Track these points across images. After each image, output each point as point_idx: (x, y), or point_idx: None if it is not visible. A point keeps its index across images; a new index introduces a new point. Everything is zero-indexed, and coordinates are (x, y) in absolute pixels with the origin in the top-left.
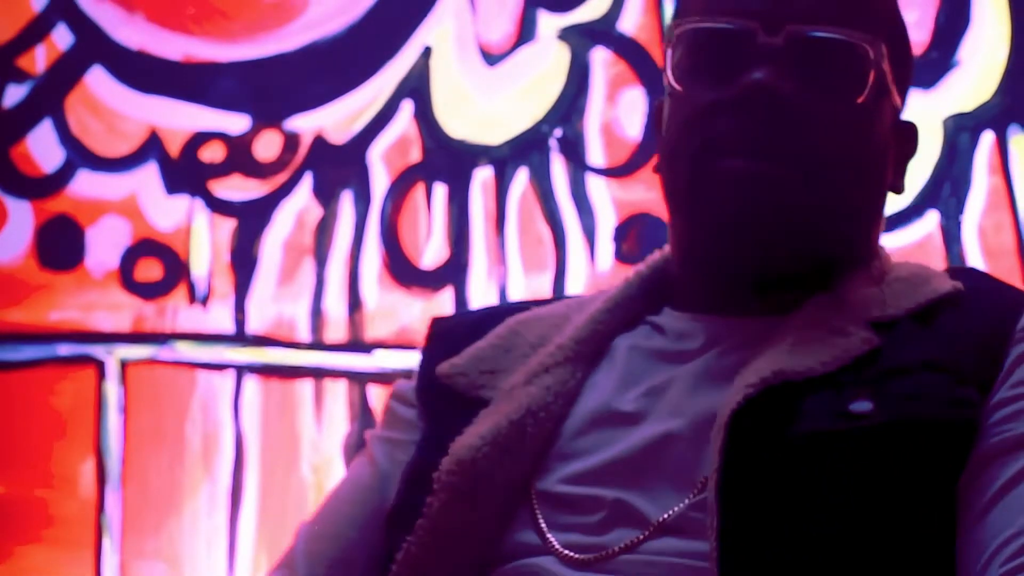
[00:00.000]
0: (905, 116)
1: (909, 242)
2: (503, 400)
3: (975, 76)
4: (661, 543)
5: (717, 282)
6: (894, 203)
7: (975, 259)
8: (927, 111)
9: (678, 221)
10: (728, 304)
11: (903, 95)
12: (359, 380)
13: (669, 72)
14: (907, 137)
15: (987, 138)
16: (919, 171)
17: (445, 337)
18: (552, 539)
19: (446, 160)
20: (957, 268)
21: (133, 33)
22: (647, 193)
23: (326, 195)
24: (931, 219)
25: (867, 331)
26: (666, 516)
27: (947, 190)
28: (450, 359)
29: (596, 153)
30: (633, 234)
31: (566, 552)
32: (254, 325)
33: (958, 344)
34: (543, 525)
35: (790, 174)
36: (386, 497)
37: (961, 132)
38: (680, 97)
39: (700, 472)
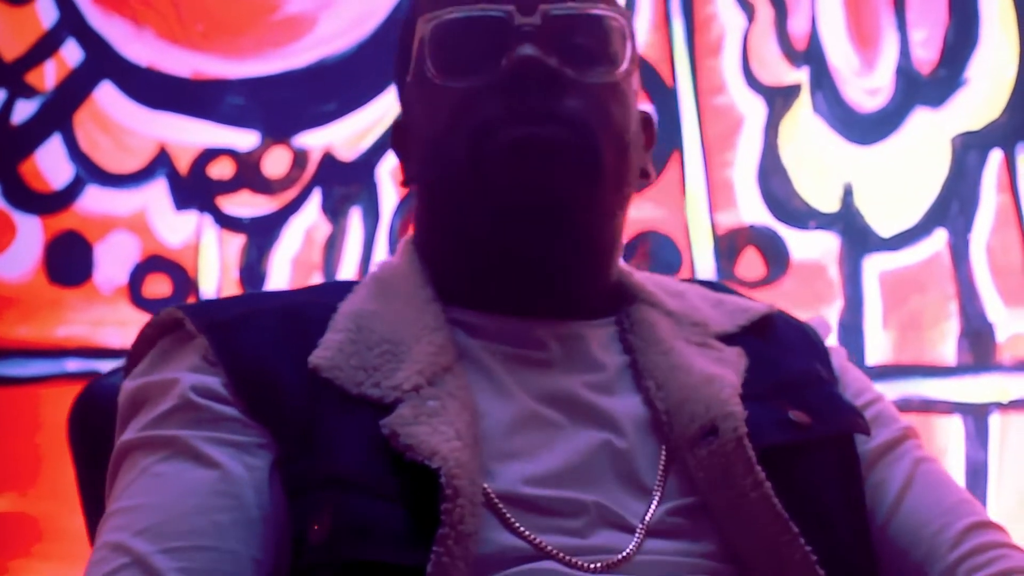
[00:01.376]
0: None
1: (917, 260)
2: (417, 400)
3: (983, 95)
4: (655, 545)
5: (507, 275)
6: (903, 221)
7: (983, 277)
8: (936, 130)
9: (459, 213)
10: (528, 303)
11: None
12: None
13: (428, 65)
14: (646, 124)
15: (995, 156)
16: (927, 189)
17: (243, 328)
18: (545, 544)
19: None
20: (705, 282)
21: (142, 49)
22: (655, 211)
23: (335, 211)
24: (939, 237)
25: (727, 346)
26: (647, 520)
27: (955, 208)
28: (319, 352)
29: None
30: (642, 251)
31: (567, 556)
32: None
33: (809, 358)
34: (523, 528)
35: (568, 137)
36: (258, 504)
37: (969, 150)
38: (439, 90)
39: (649, 477)
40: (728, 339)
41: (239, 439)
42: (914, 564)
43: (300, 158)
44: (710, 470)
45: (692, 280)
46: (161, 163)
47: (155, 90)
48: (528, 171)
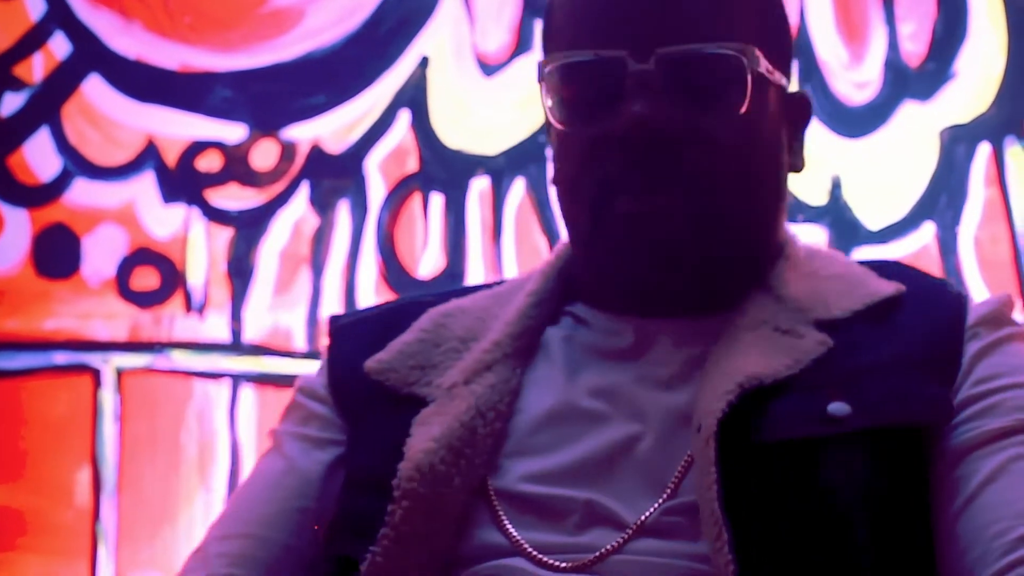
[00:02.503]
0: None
1: (906, 253)
2: (446, 399)
3: (972, 88)
4: (642, 544)
5: (629, 290)
6: (891, 214)
7: (971, 270)
8: (924, 123)
9: (580, 249)
10: (652, 305)
11: (786, 70)
12: None
13: (547, 112)
14: (798, 110)
15: (983, 150)
16: (915, 182)
17: (350, 333)
18: (522, 540)
19: (443, 170)
20: (882, 263)
21: (130, 42)
22: None
23: (323, 204)
24: (927, 230)
25: (817, 332)
26: (644, 518)
27: (943, 201)
28: (375, 355)
29: None
30: None
31: (537, 555)
32: (250, 334)
33: (916, 342)
34: (508, 525)
35: (681, 203)
36: (305, 495)
37: (958, 144)
38: (564, 135)
39: (668, 474)
40: (835, 324)
41: (317, 435)
42: (967, 566)
43: (288, 151)
44: (697, 468)
45: (872, 262)
46: (149, 156)
47: (143, 83)
48: (643, 249)
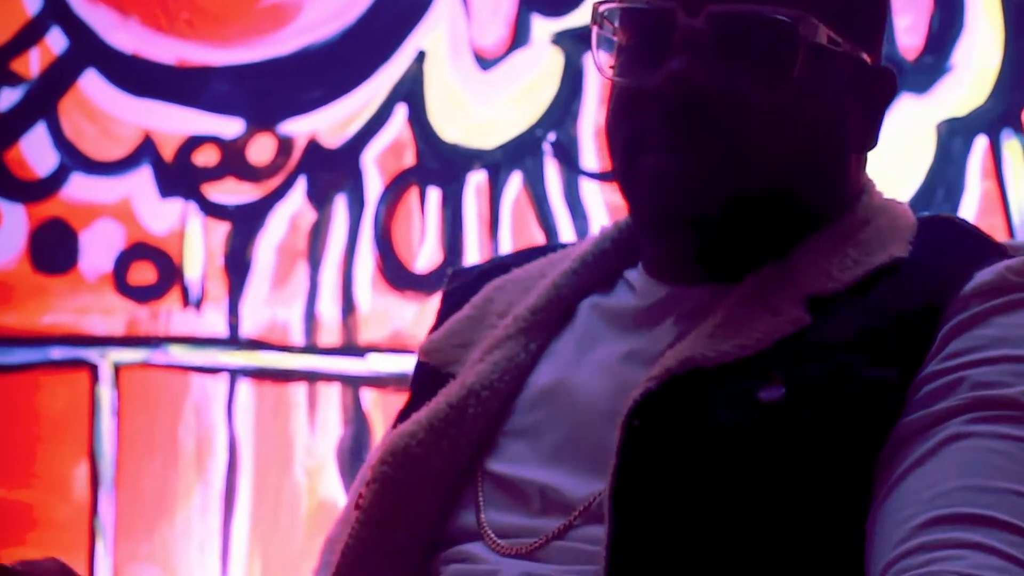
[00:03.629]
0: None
1: None
2: (460, 377)
3: (968, 81)
4: (587, 531)
5: (666, 253)
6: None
7: None
8: (921, 116)
9: (625, 201)
10: (679, 271)
11: (867, 43)
12: (352, 384)
13: (594, 53)
14: (879, 86)
15: (980, 143)
16: (912, 175)
17: (455, 296)
18: (485, 524)
19: (440, 164)
20: (932, 218)
21: (127, 37)
22: None
23: (320, 199)
24: None
25: (799, 309)
26: (589, 503)
27: (940, 195)
28: (429, 335)
29: (590, 157)
30: None
31: (495, 539)
32: (247, 329)
33: (886, 319)
34: (483, 508)
35: (710, 168)
36: None
37: (954, 137)
38: (610, 84)
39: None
40: (829, 297)
41: None
42: (872, 558)
43: (285, 145)
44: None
45: (930, 218)
46: (146, 151)
47: (140, 78)
48: (666, 205)
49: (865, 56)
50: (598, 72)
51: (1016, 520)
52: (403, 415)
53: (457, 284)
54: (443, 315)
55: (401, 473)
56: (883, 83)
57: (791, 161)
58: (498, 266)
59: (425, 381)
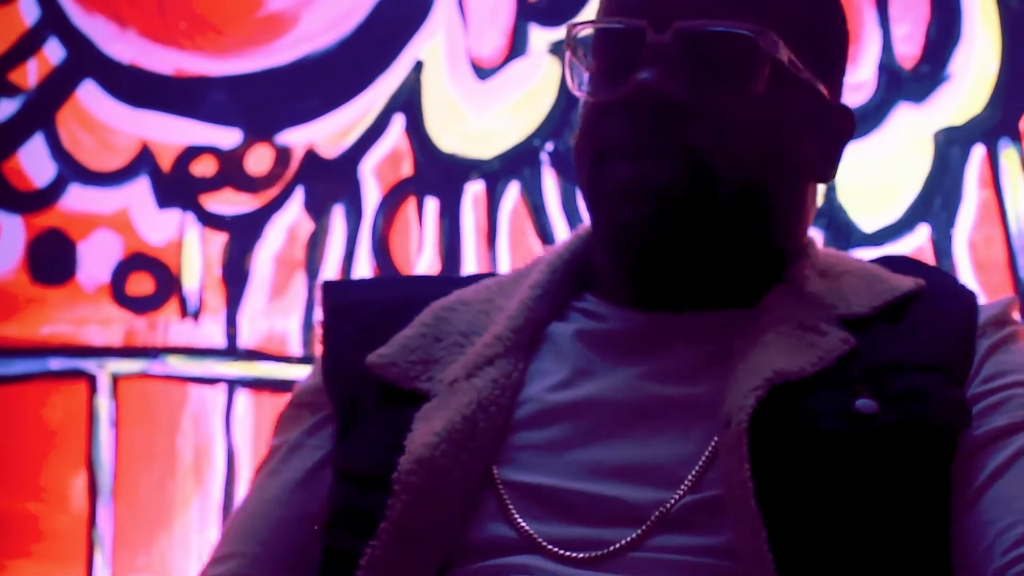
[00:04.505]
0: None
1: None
2: (448, 394)
3: (966, 90)
4: (660, 540)
5: (636, 278)
6: (886, 217)
7: (966, 272)
8: (918, 125)
9: (591, 219)
10: (655, 297)
11: (831, 81)
12: None
13: (566, 73)
14: (838, 122)
15: (978, 152)
16: (910, 185)
17: (351, 318)
18: (534, 534)
19: (438, 174)
20: (891, 258)
21: (125, 47)
22: None
23: (318, 209)
24: (922, 233)
25: (841, 330)
26: (661, 512)
27: (938, 204)
28: (378, 349)
29: None
30: None
31: (553, 548)
32: (246, 339)
33: (935, 342)
34: (519, 518)
35: (676, 175)
36: (296, 503)
37: (952, 146)
38: (581, 101)
39: (684, 469)
40: (858, 322)
41: (311, 442)
42: (974, 561)
43: (283, 156)
44: (725, 463)
45: (882, 258)
46: (143, 161)
47: (137, 88)
48: (633, 215)
49: (823, 89)
50: (574, 93)
51: None
52: (348, 430)
53: (347, 304)
54: (342, 340)
55: (428, 483)
56: (842, 120)
57: (755, 172)
58: (404, 292)
59: (370, 394)
